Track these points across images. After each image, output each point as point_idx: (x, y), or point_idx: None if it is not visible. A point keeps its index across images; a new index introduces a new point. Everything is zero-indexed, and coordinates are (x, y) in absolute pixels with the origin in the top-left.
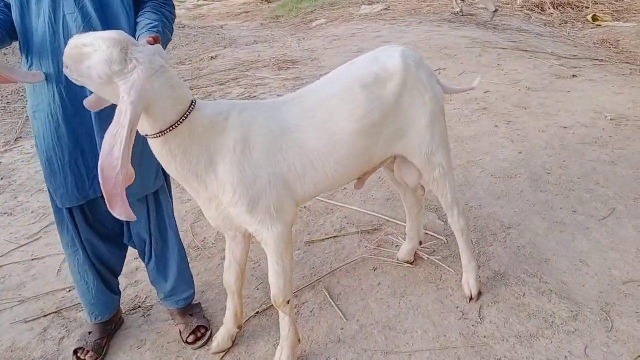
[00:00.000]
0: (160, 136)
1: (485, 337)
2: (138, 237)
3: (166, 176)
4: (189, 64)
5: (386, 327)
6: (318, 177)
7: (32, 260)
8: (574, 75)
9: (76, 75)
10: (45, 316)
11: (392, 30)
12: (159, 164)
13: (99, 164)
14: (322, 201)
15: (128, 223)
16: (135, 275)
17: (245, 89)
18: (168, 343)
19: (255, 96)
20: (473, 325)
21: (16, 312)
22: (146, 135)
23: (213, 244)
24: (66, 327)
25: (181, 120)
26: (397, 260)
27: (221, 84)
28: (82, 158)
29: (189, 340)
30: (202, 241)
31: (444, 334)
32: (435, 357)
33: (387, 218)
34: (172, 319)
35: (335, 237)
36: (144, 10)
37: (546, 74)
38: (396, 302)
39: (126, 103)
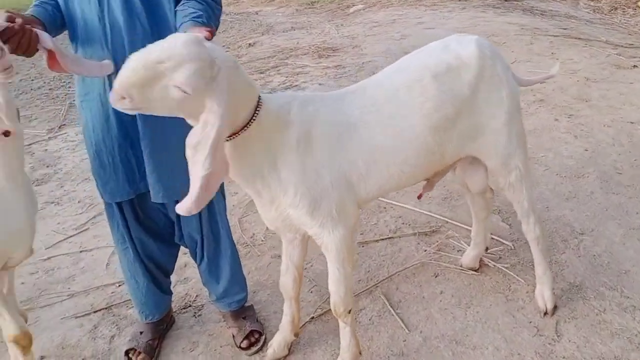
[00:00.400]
0: (231, 139)
1: (564, 357)
2: (189, 238)
3: None
4: (227, 52)
5: (453, 341)
6: (383, 178)
7: (80, 252)
8: (634, 66)
9: (140, 103)
10: (95, 312)
11: (434, 16)
12: None
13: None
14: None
15: (179, 223)
16: (184, 271)
17: (286, 77)
18: (221, 347)
19: (296, 85)
20: (549, 344)
21: (66, 306)
22: None
23: (262, 240)
24: (117, 325)
25: (253, 119)
26: (460, 266)
27: (261, 72)
28: (132, 150)
29: (243, 345)
30: (251, 237)
31: (518, 351)
32: None
33: (445, 219)
34: (224, 321)
35: (390, 238)
36: None
37: (604, 63)
38: (462, 313)
39: (215, 114)
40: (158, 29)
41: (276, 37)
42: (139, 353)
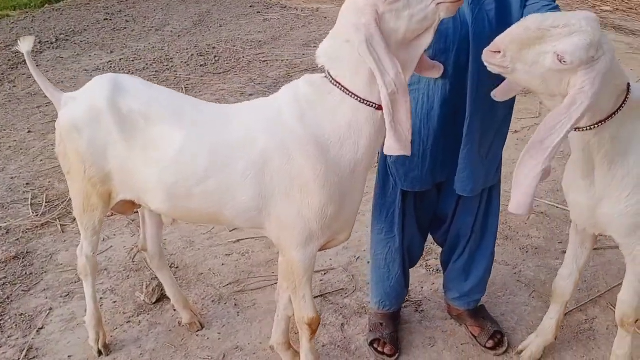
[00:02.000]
0: (594, 127)
1: None
2: (456, 234)
3: None
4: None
5: None
6: None
7: None
8: None
9: (511, 62)
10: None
11: None
12: (501, 156)
13: (527, 147)
14: None
15: (452, 219)
16: None
17: None
18: (462, 344)
19: None
20: None
21: (270, 293)
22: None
23: None
24: (341, 314)
25: (621, 108)
26: None
27: None
28: (445, 142)
29: (488, 345)
30: None
31: None
32: None
33: None
34: (455, 318)
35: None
36: None
37: None
38: None
39: (586, 94)
40: (504, 23)
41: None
42: (385, 344)
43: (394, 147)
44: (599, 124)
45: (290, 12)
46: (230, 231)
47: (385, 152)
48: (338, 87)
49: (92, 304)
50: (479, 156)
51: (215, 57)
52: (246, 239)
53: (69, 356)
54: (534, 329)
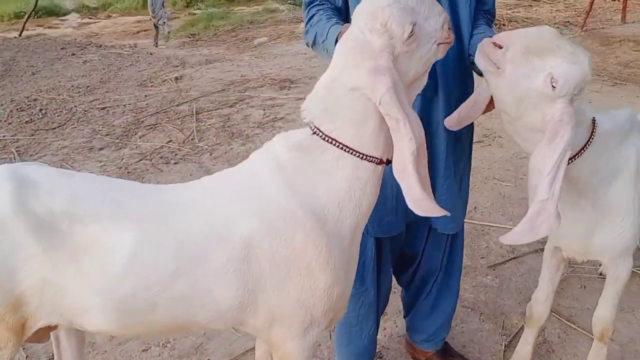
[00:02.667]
0: (571, 162)
1: None
2: (426, 271)
3: None
4: (156, 86)
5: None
6: None
7: None
8: None
9: (507, 63)
10: None
11: None
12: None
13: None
14: None
15: (422, 258)
16: None
17: (264, 110)
18: None
19: (281, 118)
20: None
21: None
22: None
23: None
24: None
25: (590, 141)
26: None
27: (230, 106)
28: None
29: None
30: None
31: None
32: None
33: None
34: None
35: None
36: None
37: None
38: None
39: (567, 126)
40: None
41: (203, 71)
42: None
43: (430, 207)
44: (573, 159)
45: (109, 50)
46: None
47: (410, 206)
48: (334, 145)
49: None
50: (459, 192)
51: (41, 110)
52: None
53: None
54: (497, 354)
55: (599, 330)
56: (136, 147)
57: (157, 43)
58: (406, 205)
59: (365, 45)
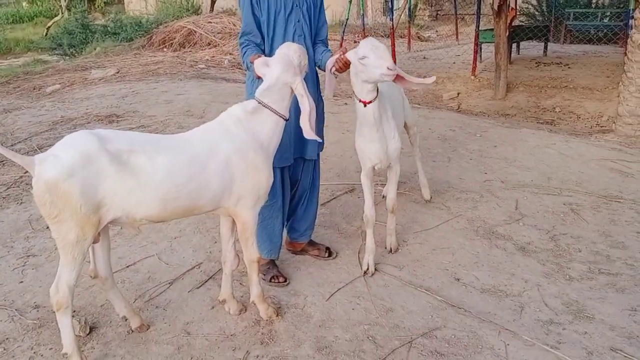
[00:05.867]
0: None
1: None
2: (302, 188)
3: None
4: None
5: None
6: None
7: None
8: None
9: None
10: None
11: (170, 86)
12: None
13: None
14: None
15: (300, 179)
16: None
17: None
18: (314, 262)
19: None
20: None
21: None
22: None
23: None
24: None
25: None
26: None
27: None
28: (297, 131)
29: (327, 255)
30: None
31: None
32: None
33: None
34: (299, 253)
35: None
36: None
37: None
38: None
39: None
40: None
41: (15, 117)
42: (279, 277)
43: (312, 134)
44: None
45: None
46: None
47: (307, 136)
48: (269, 109)
49: (73, 334)
50: (321, 129)
51: None
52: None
53: None
54: (342, 241)
55: (391, 205)
56: None
57: None
58: (295, 146)
59: (291, 62)
